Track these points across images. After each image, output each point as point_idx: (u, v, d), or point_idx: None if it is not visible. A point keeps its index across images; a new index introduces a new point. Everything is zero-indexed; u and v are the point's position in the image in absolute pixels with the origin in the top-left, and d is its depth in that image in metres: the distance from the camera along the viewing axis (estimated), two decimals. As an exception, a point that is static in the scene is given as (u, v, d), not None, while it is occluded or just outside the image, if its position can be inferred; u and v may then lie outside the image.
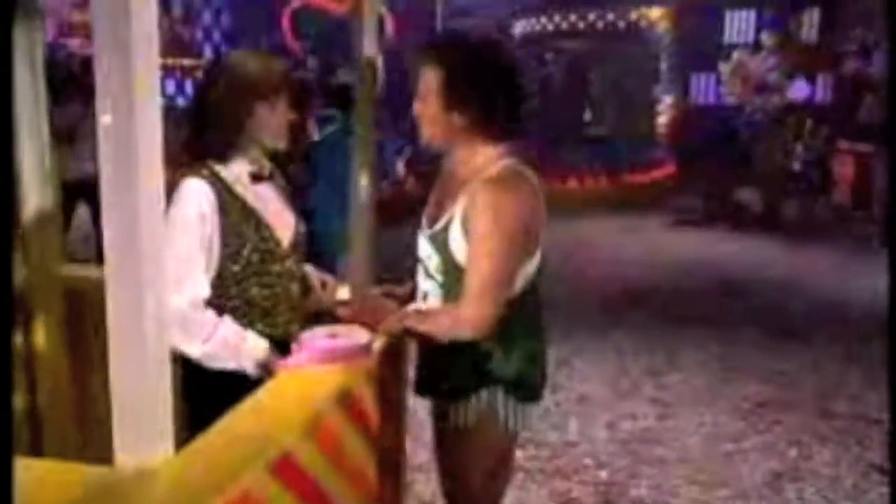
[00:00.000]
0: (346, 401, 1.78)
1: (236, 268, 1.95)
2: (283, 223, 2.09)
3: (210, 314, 1.91)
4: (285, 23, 13.35)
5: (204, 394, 1.93)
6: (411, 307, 2.14)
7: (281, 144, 2.04)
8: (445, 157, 2.15)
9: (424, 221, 2.10)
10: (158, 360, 1.27)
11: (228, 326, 1.93)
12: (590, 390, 4.47)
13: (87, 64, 5.93)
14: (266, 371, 1.92)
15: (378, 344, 1.95)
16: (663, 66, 13.43)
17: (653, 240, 9.17)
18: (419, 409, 3.73)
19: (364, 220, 2.32)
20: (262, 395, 1.66)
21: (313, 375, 1.77)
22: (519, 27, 13.24)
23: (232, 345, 1.93)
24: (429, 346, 2.02)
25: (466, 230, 1.91)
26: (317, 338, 1.87)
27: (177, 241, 1.86)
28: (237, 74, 1.95)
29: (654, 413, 4.19)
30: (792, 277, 7.24)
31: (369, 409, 1.93)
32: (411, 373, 2.22)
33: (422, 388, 2.17)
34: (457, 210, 1.94)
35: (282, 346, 1.96)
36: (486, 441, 2.05)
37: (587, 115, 13.19)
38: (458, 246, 1.94)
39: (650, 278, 7.30)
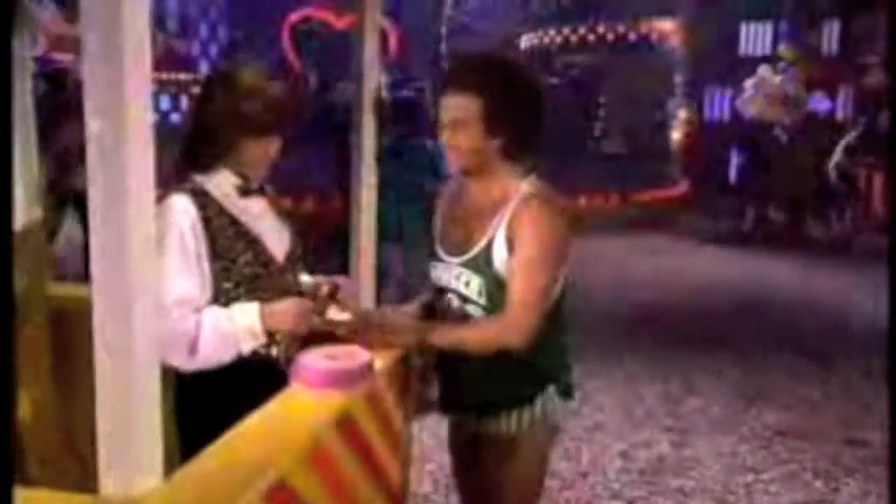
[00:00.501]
0: (345, 426, 1.77)
1: (228, 284, 1.95)
2: (277, 237, 2.09)
3: (190, 315, 1.88)
4: (285, 37, 13.47)
5: (196, 417, 1.91)
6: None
7: (259, 175, 2.05)
8: (454, 182, 2.21)
9: (446, 248, 2.15)
10: (146, 381, 1.26)
11: (211, 315, 1.90)
12: (602, 418, 4.44)
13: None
14: (265, 340, 1.93)
15: (380, 365, 1.94)
16: (676, 79, 13.50)
17: (667, 260, 9.16)
18: (425, 435, 3.74)
19: (366, 235, 2.32)
20: (256, 418, 1.65)
21: (311, 399, 1.76)
22: (525, 41, 13.32)
23: (224, 333, 1.90)
24: (463, 359, 2.06)
25: (510, 247, 2.00)
26: (314, 360, 1.87)
27: (159, 255, 1.85)
28: (234, 102, 1.94)
29: (670, 441, 4.16)
30: (815, 297, 7.22)
31: (370, 434, 1.91)
32: (436, 390, 2.24)
33: (455, 404, 2.22)
34: (499, 230, 2.01)
35: (281, 370, 1.95)
36: (536, 445, 2.14)
37: (596, 131, 13.25)
38: (503, 264, 2.01)
39: (664, 300, 7.28)
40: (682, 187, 12.72)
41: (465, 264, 2.07)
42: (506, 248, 2.00)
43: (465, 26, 14.53)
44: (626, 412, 4.55)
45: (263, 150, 2.00)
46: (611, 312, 6.72)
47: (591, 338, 5.83)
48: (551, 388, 2.12)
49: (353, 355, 1.91)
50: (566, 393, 2.18)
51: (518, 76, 2.05)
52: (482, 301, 2.05)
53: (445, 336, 2.04)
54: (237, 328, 1.92)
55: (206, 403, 1.93)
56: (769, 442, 4.16)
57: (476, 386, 2.14)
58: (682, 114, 13.80)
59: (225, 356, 1.92)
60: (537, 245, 1.97)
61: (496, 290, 2.02)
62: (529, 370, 2.09)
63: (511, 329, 1.98)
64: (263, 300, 1.97)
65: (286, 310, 1.97)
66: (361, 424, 1.86)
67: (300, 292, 2.15)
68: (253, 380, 1.88)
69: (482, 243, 2.04)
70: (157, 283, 1.77)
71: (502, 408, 2.10)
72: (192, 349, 1.88)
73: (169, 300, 1.84)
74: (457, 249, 2.11)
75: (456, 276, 2.10)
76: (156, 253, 1.79)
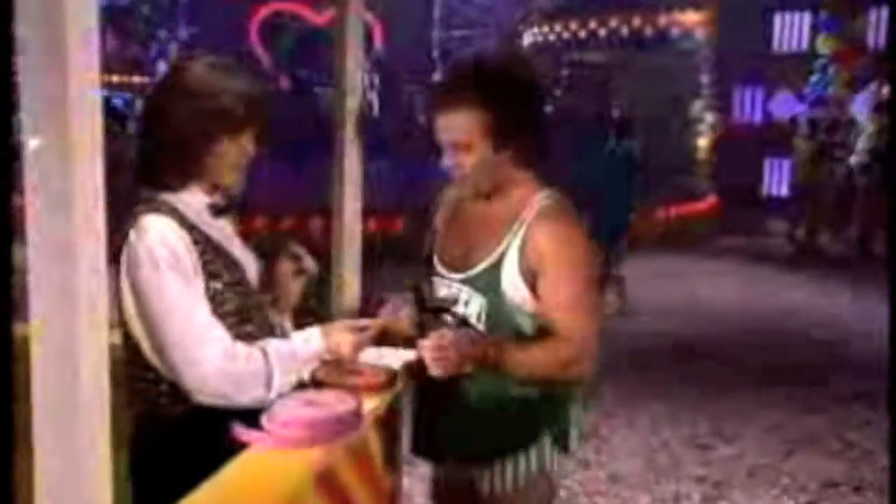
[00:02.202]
0: (326, 484, 1.75)
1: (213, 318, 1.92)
2: (248, 261, 2.08)
3: (249, 352, 1.88)
4: (253, 35, 13.54)
5: (154, 477, 1.90)
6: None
7: (235, 184, 2.02)
8: (455, 188, 2.19)
9: (445, 263, 2.14)
10: (95, 439, 1.24)
11: (272, 351, 1.91)
12: (622, 468, 4.41)
13: None
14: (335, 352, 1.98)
15: (368, 412, 1.92)
16: (702, 79, 13.57)
17: (693, 286, 9.16)
18: (415, 491, 3.70)
19: (350, 264, 2.31)
20: (222, 479, 1.63)
21: (286, 453, 1.74)
22: (528, 37, 13.41)
23: (289, 362, 1.92)
24: (452, 401, 2.06)
25: (524, 268, 1.99)
26: (290, 407, 1.85)
27: (158, 293, 1.82)
28: (198, 95, 1.91)
29: (701, 495, 4.13)
30: (865, 329, 7.20)
31: (356, 493, 1.89)
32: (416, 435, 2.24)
33: (440, 452, 2.19)
34: (512, 247, 2.01)
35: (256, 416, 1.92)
36: None
37: (610, 139, 13.30)
38: (512, 285, 2.00)
39: (690, 332, 7.27)
40: (710, 201, 12.76)
41: (467, 282, 2.06)
42: (518, 269, 1.99)
43: (461, 20, 14.64)
44: (649, 460, 4.52)
45: (240, 151, 1.97)
46: (630, 345, 6.71)
47: (608, 374, 5.81)
48: (547, 438, 2.09)
49: (338, 400, 1.89)
50: (566, 446, 2.15)
51: (528, 83, 2.05)
52: (480, 327, 2.04)
53: (514, 355, 1.98)
54: (301, 360, 1.94)
55: (164, 461, 1.91)
56: (815, 495, 4.13)
57: (460, 433, 2.11)
58: (708, 118, 13.88)
59: (288, 386, 1.92)
60: (579, 266, 1.99)
61: (500, 315, 2.01)
62: (526, 416, 2.06)
63: (584, 357, 1.98)
64: (250, 336, 1.95)
65: (344, 337, 1.99)
66: (344, 479, 1.84)
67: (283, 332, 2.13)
68: (221, 430, 1.86)
69: (490, 260, 2.02)
70: (169, 314, 1.79)
71: (489, 459, 2.07)
72: (268, 384, 1.88)
73: (202, 328, 1.84)
74: (457, 265, 2.10)
75: (453, 295, 2.09)
76: (150, 287, 1.79)
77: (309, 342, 1.97)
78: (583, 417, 2.22)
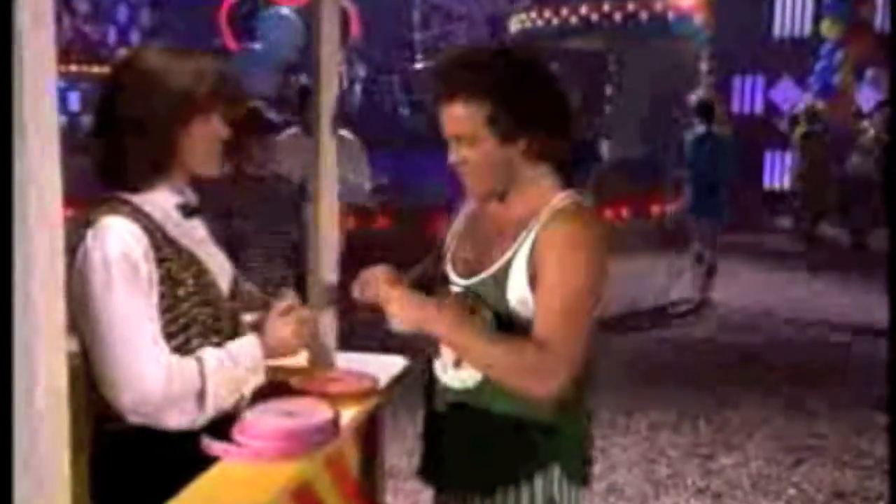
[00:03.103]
0: (302, 499, 1.75)
1: (173, 328, 1.91)
2: (220, 267, 2.06)
3: (182, 368, 1.86)
4: (223, 20, 13.47)
5: (115, 494, 1.89)
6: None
7: (213, 170, 2.01)
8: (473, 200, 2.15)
9: (456, 269, 2.08)
10: (54, 445, 1.24)
11: (212, 358, 1.88)
12: (619, 479, 4.42)
13: None
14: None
15: (347, 421, 1.92)
16: (700, 67, 13.62)
17: (694, 285, 9.19)
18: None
19: (327, 265, 2.31)
20: (191, 495, 1.63)
21: (260, 466, 1.74)
22: (516, 23, 13.41)
23: (229, 371, 1.89)
24: (454, 425, 2.03)
25: (532, 276, 1.93)
26: (265, 417, 1.84)
27: (105, 304, 1.80)
28: (160, 78, 1.90)
29: (703, 508, 4.14)
30: (878, 330, 7.22)
31: (333, 507, 1.89)
32: (416, 457, 2.21)
33: (437, 477, 2.14)
34: (521, 252, 1.95)
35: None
36: None
37: (604, 132, 13.31)
38: (518, 295, 1.94)
39: (690, 334, 7.30)
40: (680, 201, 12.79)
41: (473, 287, 2.00)
42: (527, 275, 1.93)
43: (439, 7, 14.62)
44: (648, 471, 4.53)
45: (212, 133, 1.95)
46: (628, 349, 6.73)
47: (605, 380, 5.81)
48: (556, 469, 2.00)
49: (313, 410, 1.88)
50: (583, 478, 2.08)
51: (518, 60, 2.01)
52: None
53: (461, 331, 1.92)
54: (242, 367, 1.91)
55: (128, 482, 1.90)
56: (823, 507, 4.15)
57: (455, 457, 2.07)
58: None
59: (229, 403, 1.90)
60: (580, 270, 1.91)
61: (506, 325, 1.94)
62: (529, 442, 1.99)
63: (555, 372, 1.87)
64: (213, 346, 1.94)
65: (282, 332, 1.97)
66: (321, 494, 1.84)
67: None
68: (189, 444, 1.85)
69: (497, 265, 1.96)
70: (114, 328, 1.77)
71: (490, 489, 2.00)
72: (201, 401, 1.85)
73: (147, 348, 1.82)
74: (466, 270, 2.04)
75: (460, 301, 2.03)
76: (101, 297, 1.78)
77: (244, 346, 1.94)
78: (590, 446, 2.16)
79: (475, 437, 2.02)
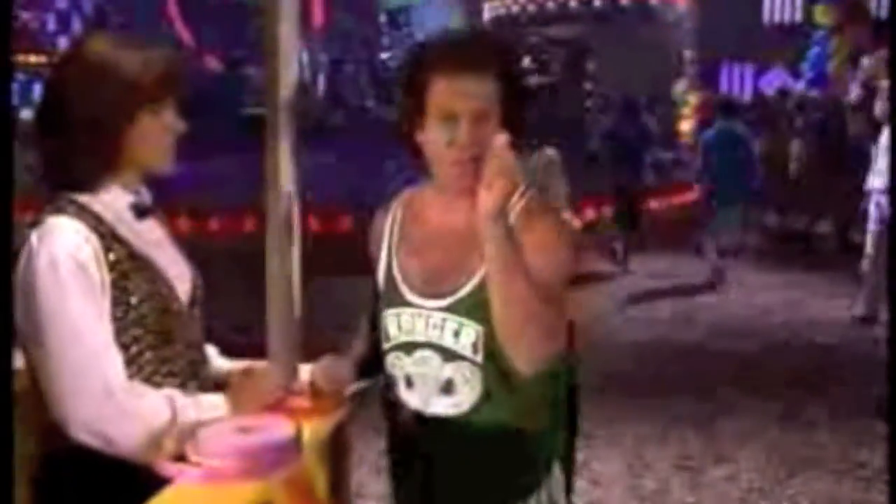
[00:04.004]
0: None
1: (124, 339, 1.90)
2: (179, 272, 2.05)
3: (153, 392, 1.87)
4: (171, 6, 13.42)
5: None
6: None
7: (167, 166, 2.01)
8: (414, 195, 2.13)
9: (416, 288, 2.04)
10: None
11: (181, 401, 1.89)
12: (603, 495, 4.44)
13: None
14: None
15: (309, 437, 1.91)
16: (686, 55, 13.71)
17: (680, 288, 9.24)
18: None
19: (284, 257, 2.30)
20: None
21: (217, 488, 1.73)
22: (490, 10, 13.46)
23: (188, 425, 1.88)
24: (439, 446, 2.01)
25: None
26: (221, 434, 1.83)
27: (52, 310, 1.79)
28: (106, 69, 1.90)
29: (692, 524, 4.17)
30: (876, 333, 7.29)
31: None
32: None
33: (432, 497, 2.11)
34: None
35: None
36: None
37: (585, 123, 13.37)
38: None
39: (677, 340, 7.33)
40: (699, 192, 12.85)
41: (453, 308, 1.98)
42: None
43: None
44: (633, 486, 4.55)
45: (163, 128, 1.95)
46: (611, 355, 6.74)
47: (587, 388, 5.83)
48: (556, 469, 2.09)
49: (274, 426, 1.88)
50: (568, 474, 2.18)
51: (515, 52, 2.07)
52: (478, 357, 1.97)
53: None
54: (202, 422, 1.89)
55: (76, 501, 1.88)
56: (819, 520, 4.20)
57: (452, 478, 2.04)
58: (693, 98, 14.01)
59: (180, 450, 1.87)
60: (562, 256, 1.96)
61: (498, 341, 1.91)
62: (534, 450, 2.05)
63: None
64: (167, 360, 1.94)
65: (256, 404, 1.99)
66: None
67: (218, 385, 2.10)
68: (137, 466, 1.84)
69: (480, 274, 1.93)
70: (64, 337, 1.76)
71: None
72: (157, 439, 1.83)
73: (101, 358, 1.81)
74: (434, 289, 2.01)
75: (436, 326, 2.00)
76: (43, 303, 1.76)
77: (213, 403, 1.96)
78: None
79: (478, 458, 2.02)
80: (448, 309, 1.99)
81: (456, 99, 1.92)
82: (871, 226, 7.45)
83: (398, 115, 2.05)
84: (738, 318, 8.07)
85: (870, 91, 11.08)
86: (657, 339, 7.36)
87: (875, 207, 7.40)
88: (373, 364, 2.14)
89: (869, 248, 7.48)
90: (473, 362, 1.98)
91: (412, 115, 1.98)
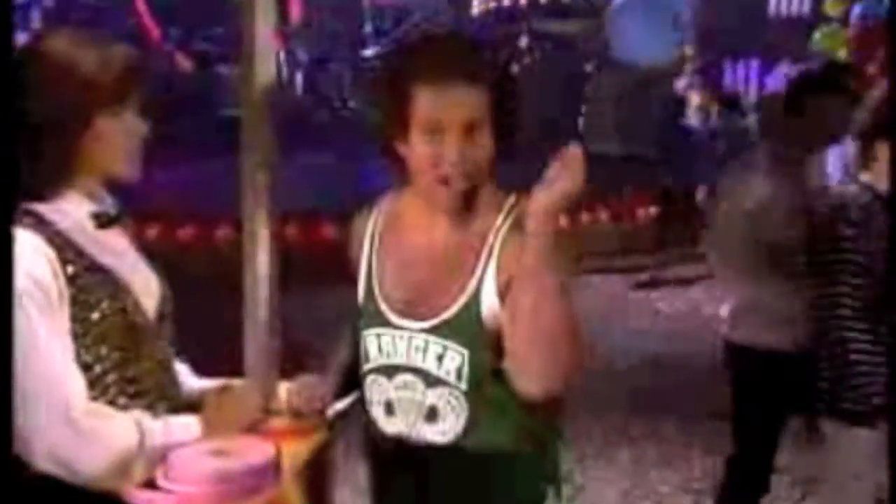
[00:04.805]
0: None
1: (87, 358, 1.90)
2: (144, 284, 2.05)
3: (119, 415, 1.87)
4: (139, 1, 13.41)
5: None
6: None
7: (131, 171, 2.00)
8: (393, 205, 2.13)
9: (396, 308, 2.03)
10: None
11: (150, 426, 1.89)
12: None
13: None
14: None
15: (289, 461, 1.92)
16: (687, 51, 13.75)
17: (684, 299, 9.25)
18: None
19: (263, 282, 2.30)
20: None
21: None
22: (478, 4, 13.49)
23: (157, 449, 1.88)
24: (430, 472, 2.02)
25: (503, 283, 1.91)
26: (194, 457, 1.83)
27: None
28: (62, 69, 1.89)
29: (697, 551, 4.18)
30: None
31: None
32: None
33: None
34: (487, 271, 1.95)
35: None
36: None
37: (581, 125, 13.40)
38: (495, 322, 1.92)
39: (681, 357, 7.33)
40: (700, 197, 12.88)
41: (437, 330, 1.97)
42: (496, 294, 1.92)
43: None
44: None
45: (125, 130, 1.95)
46: (610, 371, 6.74)
47: (585, 407, 5.84)
48: (551, 494, 2.09)
49: (251, 449, 1.88)
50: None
51: (503, 54, 2.07)
52: (461, 384, 1.96)
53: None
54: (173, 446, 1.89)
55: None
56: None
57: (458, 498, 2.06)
58: (695, 98, 14.02)
59: (150, 476, 1.87)
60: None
61: (485, 366, 1.93)
62: (527, 467, 2.05)
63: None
64: (133, 380, 1.93)
65: (232, 425, 2.00)
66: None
67: (191, 406, 2.10)
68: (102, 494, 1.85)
69: (467, 294, 1.94)
70: (22, 359, 1.74)
71: None
72: (124, 466, 1.83)
73: (62, 379, 1.81)
74: (416, 310, 2.00)
75: (419, 349, 1.99)
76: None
77: (189, 430, 1.96)
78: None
79: (465, 487, 2.02)
80: (431, 331, 1.98)
81: (442, 109, 1.90)
82: None
83: (376, 124, 2.01)
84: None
85: None
86: (650, 353, 7.38)
87: None
88: (358, 374, 2.14)
89: None
90: (456, 388, 1.97)
91: (393, 126, 1.96)
